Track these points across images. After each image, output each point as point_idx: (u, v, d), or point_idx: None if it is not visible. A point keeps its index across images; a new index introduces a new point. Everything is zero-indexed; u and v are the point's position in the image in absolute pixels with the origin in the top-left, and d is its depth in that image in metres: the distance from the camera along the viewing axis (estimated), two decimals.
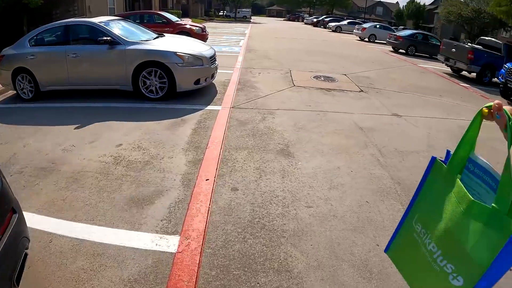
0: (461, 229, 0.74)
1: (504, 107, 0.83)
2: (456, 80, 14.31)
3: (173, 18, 17.42)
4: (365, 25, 31.96)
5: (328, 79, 10.39)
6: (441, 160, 0.93)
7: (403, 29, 37.00)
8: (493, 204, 0.72)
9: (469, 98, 10.79)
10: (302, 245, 3.35)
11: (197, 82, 7.42)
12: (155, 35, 8.44)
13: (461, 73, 16.06)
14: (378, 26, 31.88)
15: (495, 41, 16.62)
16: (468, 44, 16.72)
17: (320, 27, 49.49)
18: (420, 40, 23.66)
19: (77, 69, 7.47)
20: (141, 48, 7.19)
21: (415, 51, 22.97)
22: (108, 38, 7.14)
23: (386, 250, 1.04)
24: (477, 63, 14.56)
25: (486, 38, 17.80)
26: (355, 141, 5.85)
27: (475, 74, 14.98)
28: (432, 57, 22.42)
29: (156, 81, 7.21)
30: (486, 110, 0.85)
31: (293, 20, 72.96)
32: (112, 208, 3.79)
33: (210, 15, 59.20)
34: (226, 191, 4.22)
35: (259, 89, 8.57)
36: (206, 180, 4.41)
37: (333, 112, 7.18)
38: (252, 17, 67.89)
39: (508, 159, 0.73)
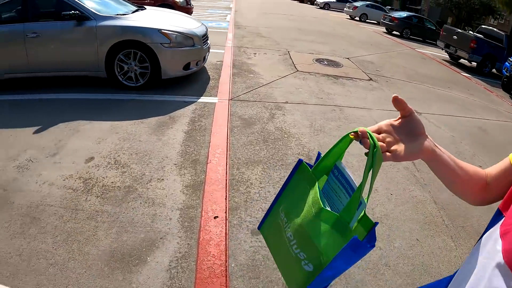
0: (312, 227, 0.86)
1: (371, 130, 0.82)
2: (457, 69, 13.91)
3: None
4: (357, 4, 30.65)
5: (332, 63, 9.31)
6: (307, 163, 0.99)
7: (390, 9, 35.85)
8: (340, 213, 0.83)
9: (475, 91, 10.37)
10: None
11: (187, 67, 6.16)
12: (134, 8, 7.03)
13: (459, 61, 15.81)
14: (369, 5, 30.68)
15: (496, 31, 16.30)
16: (470, 32, 16.19)
17: (307, 3, 47.88)
18: (415, 23, 23.10)
19: (38, 52, 6.05)
20: (116, 24, 5.84)
21: (409, 34, 22.40)
22: (75, 12, 5.73)
23: (259, 227, 1.10)
24: (479, 53, 14.32)
25: (486, 26, 17.72)
26: None
27: (475, 63, 14.74)
28: (426, 41, 22.36)
29: (136, 65, 5.92)
30: (353, 136, 0.84)
31: None
32: (87, 272, 2.68)
33: None
34: (245, 236, 3.13)
35: (258, 75, 7.38)
36: (215, 218, 3.28)
37: (348, 107, 6.14)
38: None
39: (362, 181, 0.79)
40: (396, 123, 0.85)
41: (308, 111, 5.76)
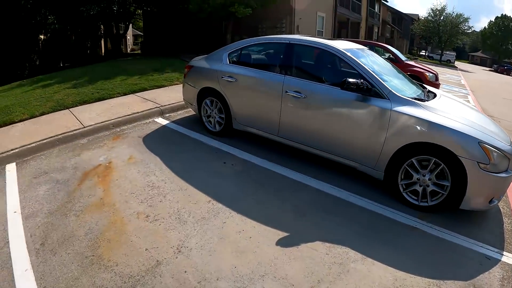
0: None
1: None
2: None
3: (401, 55, 13.62)
4: None
5: None
6: None
7: None
8: None
9: None
10: None
11: (492, 199, 3.93)
12: (421, 90, 5.05)
13: None
14: None
15: None
16: None
17: None
18: None
19: (296, 116, 4.71)
20: (420, 116, 3.97)
21: None
22: (361, 81, 4.14)
23: None
24: None
25: None
26: None
27: None
28: None
29: (429, 179, 3.97)
30: None
31: (501, 73, 62.78)
32: None
33: (413, 53, 54.77)
34: None
35: None
36: None
37: None
38: (455, 61, 61.17)
39: None
40: None
41: None
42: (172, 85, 8.93)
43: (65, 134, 5.64)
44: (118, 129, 5.93)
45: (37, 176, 4.49)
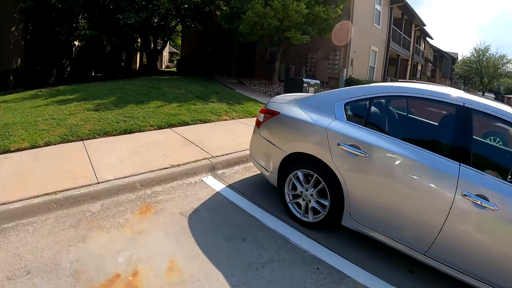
0: None
1: None
2: None
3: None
4: None
5: None
6: None
7: None
8: None
9: None
10: None
11: None
12: None
13: None
14: None
15: None
16: None
17: None
18: None
19: (473, 234, 2.47)
20: None
21: None
22: None
23: None
24: None
25: None
26: None
27: None
28: None
29: None
30: None
31: None
32: None
33: None
34: None
35: None
36: None
37: None
38: None
39: None
40: None
41: None
42: (220, 120, 6.89)
43: (69, 193, 3.60)
44: (149, 192, 3.85)
45: (13, 277, 2.47)
